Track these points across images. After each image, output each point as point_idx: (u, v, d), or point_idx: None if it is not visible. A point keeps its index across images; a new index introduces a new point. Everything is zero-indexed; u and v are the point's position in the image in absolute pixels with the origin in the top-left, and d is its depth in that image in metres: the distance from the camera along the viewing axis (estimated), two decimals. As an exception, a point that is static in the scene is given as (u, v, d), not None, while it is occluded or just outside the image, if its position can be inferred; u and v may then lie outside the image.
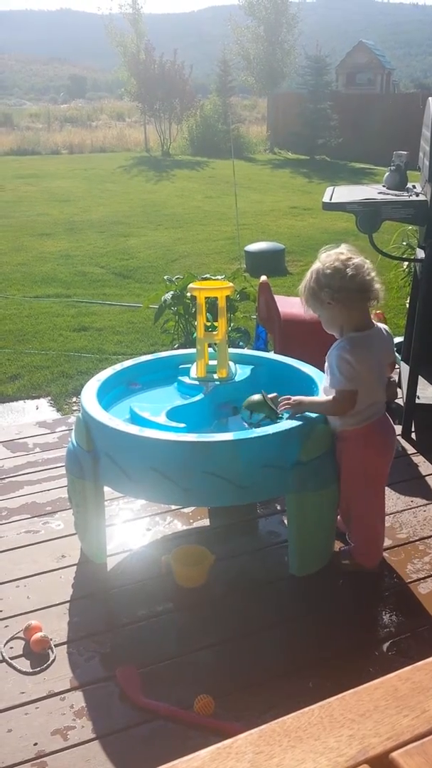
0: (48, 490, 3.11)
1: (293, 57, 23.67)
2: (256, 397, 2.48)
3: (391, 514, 2.83)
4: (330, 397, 2.30)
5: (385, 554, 2.59)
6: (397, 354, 4.24)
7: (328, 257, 2.24)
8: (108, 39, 22.39)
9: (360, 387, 2.24)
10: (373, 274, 2.23)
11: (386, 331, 2.37)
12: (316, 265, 2.25)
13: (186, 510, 2.91)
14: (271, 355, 3.09)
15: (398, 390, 3.82)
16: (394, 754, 0.76)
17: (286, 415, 2.40)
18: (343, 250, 2.25)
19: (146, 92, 20.74)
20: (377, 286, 2.23)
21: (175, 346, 4.15)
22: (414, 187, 3.54)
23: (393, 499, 2.94)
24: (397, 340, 4.40)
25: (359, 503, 2.44)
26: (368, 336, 2.27)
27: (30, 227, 9.72)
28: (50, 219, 10.34)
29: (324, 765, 0.75)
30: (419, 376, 3.45)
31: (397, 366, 4.10)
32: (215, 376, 2.72)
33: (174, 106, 20.74)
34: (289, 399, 2.34)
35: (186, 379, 2.74)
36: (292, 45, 23.69)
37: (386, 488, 2.59)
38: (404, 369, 3.76)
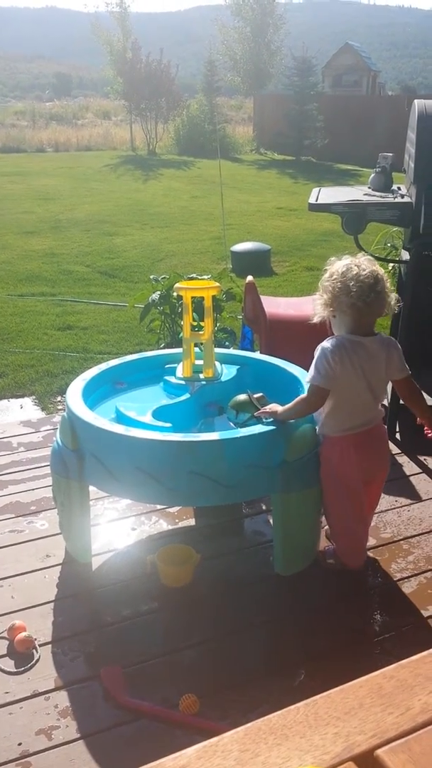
0: (32, 489, 3.09)
1: (279, 58, 23.76)
2: (242, 397, 2.49)
3: (375, 513, 2.84)
4: (299, 398, 2.30)
5: (370, 553, 2.61)
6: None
7: (375, 268, 2.23)
8: (94, 37, 22.31)
9: (335, 389, 2.23)
10: (394, 296, 2.29)
11: (387, 343, 2.30)
12: (342, 270, 2.22)
13: (171, 509, 2.91)
14: (257, 355, 3.10)
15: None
16: (379, 752, 0.77)
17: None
18: (373, 266, 2.24)
19: (132, 91, 20.68)
20: (391, 307, 2.29)
21: (161, 346, 4.14)
22: (399, 188, 3.56)
23: (377, 499, 2.96)
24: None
25: (335, 507, 2.46)
26: (359, 343, 2.25)
27: (14, 225, 9.66)
28: (35, 217, 10.29)
29: (309, 762, 0.76)
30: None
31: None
32: (201, 375, 2.72)
33: (160, 105, 20.70)
34: (266, 410, 2.35)
35: (172, 379, 2.74)
36: (278, 46, 23.78)
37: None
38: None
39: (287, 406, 2.31)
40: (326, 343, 2.25)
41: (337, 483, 2.38)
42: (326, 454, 2.38)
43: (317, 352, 2.25)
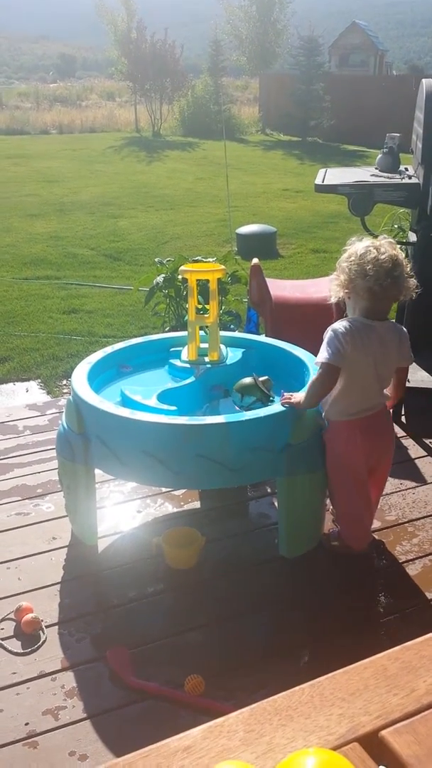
0: (38, 472, 3.10)
1: (285, 37, 23.44)
2: (247, 380, 2.48)
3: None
4: (311, 380, 2.28)
5: (374, 536, 2.61)
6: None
7: (395, 252, 2.20)
8: (98, 17, 22.06)
9: (345, 368, 2.21)
10: (413, 281, 2.26)
11: (399, 331, 2.32)
12: (361, 251, 2.20)
13: (177, 492, 2.92)
14: (262, 338, 3.09)
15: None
16: (384, 733, 0.77)
17: (276, 398, 2.41)
18: (394, 251, 2.21)
19: (137, 72, 20.48)
20: (406, 294, 2.27)
21: (166, 329, 4.13)
22: (406, 169, 3.53)
23: (382, 482, 2.96)
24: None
25: (340, 491, 2.46)
26: (371, 326, 2.24)
27: (19, 208, 9.62)
28: (39, 200, 10.24)
29: (314, 743, 0.76)
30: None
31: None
32: (206, 359, 2.72)
33: (165, 85, 20.50)
34: (290, 398, 2.30)
35: (177, 362, 2.73)
36: (284, 25, 23.45)
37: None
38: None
39: (303, 392, 2.29)
40: (337, 325, 2.24)
41: (342, 467, 2.38)
42: (331, 438, 2.37)
43: (328, 334, 2.23)
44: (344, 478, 2.40)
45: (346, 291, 2.26)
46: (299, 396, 2.29)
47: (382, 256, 2.17)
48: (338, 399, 2.30)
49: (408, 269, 2.23)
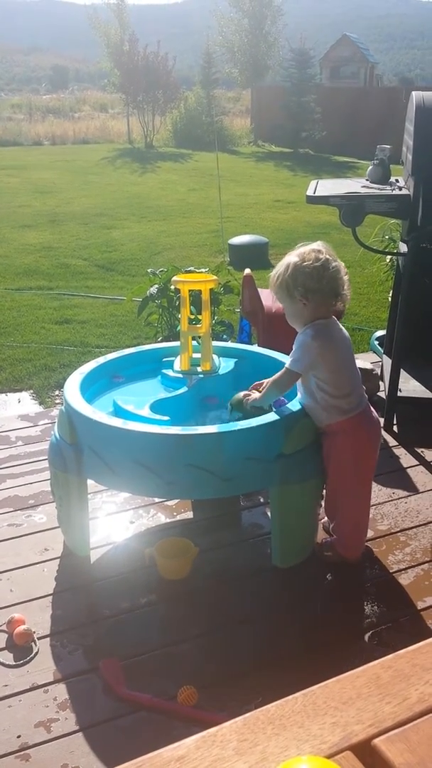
0: (30, 483, 3.10)
1: (277, 49, 23.65)
2: (241, 395, 2.49)
3: (372, 505, 2.84)
4: (271, 381, 2.35)
5: (367, 545, 2.61)
6: (379, 347, 4.28)
7: (308, 255, 2.23)
8: (91, 29, 22.19)
9: (330, 361, 2.26)
10: (346, 278, 2.28)
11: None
12: (293, 259, 2.25)
13: (169, 502, 2.92)
14: (255, 348, 3.10)
15: (380, 383, 3.85)
16: (377, 741, 0.77)
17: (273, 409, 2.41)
18: (321, 249, 2.25)
19: (130, 83, 20.59)
20: (347, 290, 2.29)
21: (159, 339, 4.14)
22: (397, 181, 3.56)
23: (375, 491, 2.96)
24: (379, 333, 4.44)
25: (348, 498, 2.45)
26: (330, 323, 2.30)
27: (12, 219, 9.64)
28: (32, 210, 10.26)
29: (307, 752, 0.76)
30: (401, 369, 3.47)
31: (379, 359, 4.13)
32: (199, 369, 2.72)
33: (157, 97, 20.61)
34: (248, 396, 2.40)
35: (170, 372, 2.74)
36: (276, 37, 23.67)
37: (368, 480, 2.59)
38: (386, 362, 3.78)
39: (263, 393, 2.37)
40: (306, 335, 2.27)
41: (354, 470, 2.38)
42: (341, 442, 2.35)
43: (298, 343, 2.28)
44: (354, 484, 2.41)
45: (304, 300, 2.25)
46: (256, 394, 2.38)
47: (335, 263, 2.24)
48: (337, 397, 2.30)
49: (336, 266, 2.26)
